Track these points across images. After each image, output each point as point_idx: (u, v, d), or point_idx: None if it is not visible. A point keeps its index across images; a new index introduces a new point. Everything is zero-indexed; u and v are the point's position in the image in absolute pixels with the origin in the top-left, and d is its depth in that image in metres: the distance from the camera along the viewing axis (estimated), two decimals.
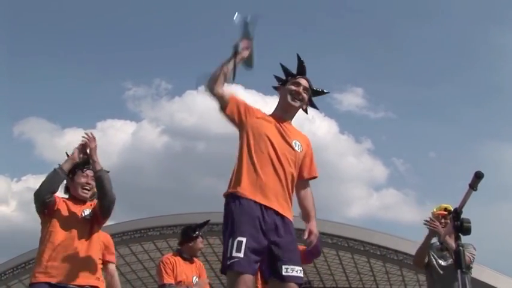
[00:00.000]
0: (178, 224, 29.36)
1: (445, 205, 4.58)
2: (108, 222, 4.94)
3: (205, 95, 3.06)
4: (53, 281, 3.50)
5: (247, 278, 2.71)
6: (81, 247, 3.63)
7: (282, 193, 2.96)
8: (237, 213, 2.84)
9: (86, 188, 3.77)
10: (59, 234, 3.60)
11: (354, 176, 60.01)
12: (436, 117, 65.33)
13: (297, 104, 3.18)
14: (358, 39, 65.71)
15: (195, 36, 70.84)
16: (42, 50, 69.90)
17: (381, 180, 68.81)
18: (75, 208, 3.73)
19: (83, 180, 3.76)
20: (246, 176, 2.93)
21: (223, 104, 3.07)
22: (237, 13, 3.08)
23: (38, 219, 3.74)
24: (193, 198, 55.22)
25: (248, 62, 3.14)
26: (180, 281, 4.81)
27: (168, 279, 4.76)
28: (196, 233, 5.02)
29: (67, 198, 3.79)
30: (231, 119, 3.10)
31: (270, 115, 3.18)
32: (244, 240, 2.74)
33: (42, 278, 3.51)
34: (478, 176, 2.70)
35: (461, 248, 2.76)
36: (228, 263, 2.72)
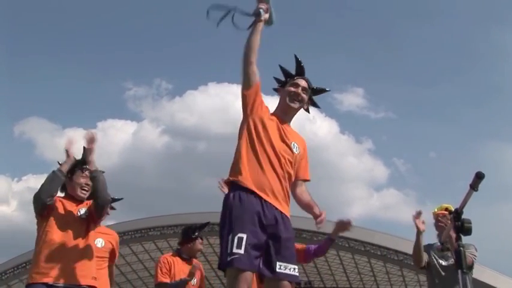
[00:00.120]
0: (178, 224, 29.38)
1: (446, 205, 4.58)
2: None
3: (240, 63, 3.07)
4: (50, 281, 3.49)
5: (248, 274, 2.71)
6: (78, 247, 3.63)
7: (280, 191, 2.96)
8: (237, 209, 2.83)
9: (85, 188, 3.77)
10: (56, 234, 3.60)
11: (355, 176, 60.09)
12: (437, 117, 65.38)
13: (296, 105, 3.19)
14: (358, 39, 65.74)
15: (195, 36, 70.89)
16: (42, 50, 70.05)
17: (381, 181, 68.93)
18: (71, 207, 3.73)
19: (82, 180, 3.76)
20: (247, 166, 2.93)
21: (249, 82, 3.07)
22: None
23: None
24: (193, 198, 55.26)
25: (269, 21, 3.20)
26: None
27: (163, 279, 4.78)
28: (196, 234, 5.02)
29: (63, 197, 3.78)
30: (246, 102, 3.09)
31: (272, 114, 3.18)
32: (244, 236, 2.72)
33: (39, 279, 3.50)
34: (479, 177, 2.70)
35: (461, 248, 2.76)
36: (228, 259, 2.70)
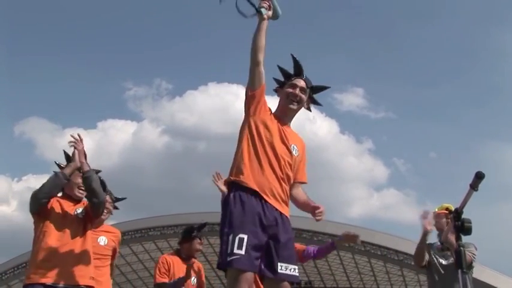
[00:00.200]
0: (178, 224, 29.38)
1: (446, 205, 4.59)
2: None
3: (250, 55, 3.03)
4: (48, 281, 3.49)
5: (249, 275, 2.71)
6: (75, 247, 3.63)
7: (280, 192, 2.96)
8: (238, 209, 2.83)
9: (82, 188, 3.76)
10: (53, 234, 3.59)
11: (355, 176, 60.09)
12: (437, 117, 65.41)
13: (294, 106, 3.17)
14: (358, 39, 65.77)
15: (195, 36, 70.92)
16: (42, 50, 70.07)
17: (381, 181, 68.93)
18: (68, 207, 3.73)
19: (80, 180, 3.75)
20: (248, 166, 2.93)
21: (255, 83, 3.04)
22: None
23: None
24: (193, 198, 55.26)
25: (273, 16, 3.16)
26: None
27: (161, 279, 4.79)
28: (193, 234, 5.03)
29: (60, 197, 3.78)
30: (250, 103, 3.06)
31: (272, 115, 3.17)
32: (245, 237, 2.73)
33: (36, 279, 3.50)
34: (479, 177, 2.70)
35: (461, 248, 2.76)
36: (228, 259, 2.71)
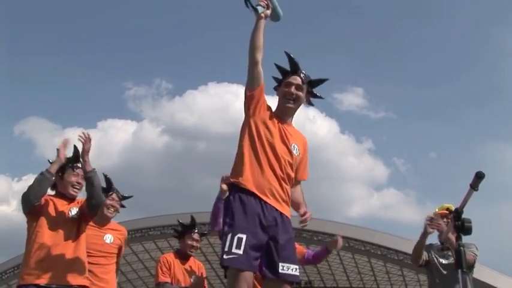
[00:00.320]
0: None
1: (447, 205, 4.58)
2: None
3: (248, 54, 3.00)
4: (42, 282, 3.47)
5: (248, 274, 2.73)
6: (69, 247, 3.61)
7: (280, 192, 2.96)
8: (237, 209, 2.84)
9: (76, 187, 3.75)
10: (46, 235, 3.57)
11: (355, 175, 60.09)
12: (437, 117, 65.43)
13: (291, 105, 3.15)
14: (358, 39, 65.77)
15: (195, 36, 70.90)
16: (42, 50, 70.11)
17: (381, 180, 68.89)
18: (62, 206, 3.70)
19: (73, 179, 3.74)
20: (248, 168, 2.93)
21: (254, 83, 3.02)
22: None
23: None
24: (193, 198, 55.27)
25: (274, 17, 3.13)
26: (178, 280, 4.82)
27: (163, 278, 4.78)
28: (181, 230, 5.03)
29: (54, 195, 3.75)
30: (249, 103, 3.04)
31: (273, 114, 3.16)
32: (244, 237, 2.74)
33: (30, 280, 3.48)
34: (479, 176, 2.70)
35: (461, 247, 2.76)
36: (226, 257, 2.73)
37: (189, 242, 4.96)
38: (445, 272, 4.41)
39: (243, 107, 3.09)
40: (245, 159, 2.96)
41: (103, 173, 4.59)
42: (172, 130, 62.60)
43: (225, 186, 3.82)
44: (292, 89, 3.13)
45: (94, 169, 3.67)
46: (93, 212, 3.70)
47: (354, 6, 67.62)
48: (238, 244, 2.73)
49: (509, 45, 65.51)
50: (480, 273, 22.93)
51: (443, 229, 4.34)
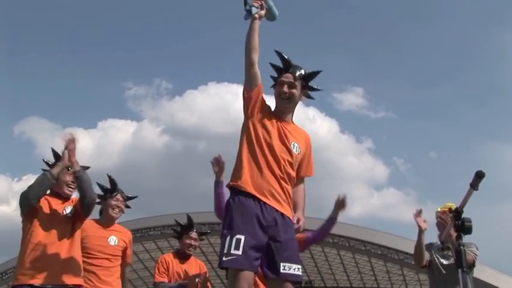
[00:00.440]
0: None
1: (449, 204, 4.57)
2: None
3: (244, 55, 3.00)
4: (37, 282, 3.46)
5: (248, 274, 2.74)
6: (64, 246, 3.61)
7: (280, 192, 2.96)
8: (236, 211, 2.85)
9: (71, 186, 3.75)
10: (40, 235, 3.57)
11: (355, 175, 60.11)
12: (437, 117, 65.41)
13: (285, 103, 3.14)
14: (358, 39, 65.75)
15: (195, 36, 70.91)
16: (42, 50, 70.12)
17: (381, 180, 68.81)
18: (57, 205, 3.70)
19: (68, 178, 3.73)
20: (247, 170, 2.94)
21: (251, 84, 3.02)
22: None
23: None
24: (193, 198, 55.23)
25: (270, 17, 3.11)
26: (177, 280, 4.82)
27: (159, 278, 4.79)
28: (179, 229, 5.03)
29: (49, 194, 3.74)
30: (247, 104, 3.05)
31: (272, 113, 3.15)
32: (242, 238, 2.75)
33: (24, 280, 3.48)
34: (479, 176, 2.70)
35: (462, 247, 2.76)
36: (225, 259, 2.75)
37: (187, 242, 4.96)
38: (445, 272, 4.42)
39: (242, 108, 3.10)
40: (243, 162, 2.96)
41: (107, 174, 4.61)
42: (172, 130, 62.74)
43: (216, 169, 4.05)
44: (285, 88, 3.13)
45: (82, 168, 3.67)
46: (86, 211, 3.71)
47: (354, 6, 67.71)
48: (237, 245, 2.74)
49: (509, 45, 65.58)
50: (480, 272, 22.92)
51: (442, 226, 4.35)
